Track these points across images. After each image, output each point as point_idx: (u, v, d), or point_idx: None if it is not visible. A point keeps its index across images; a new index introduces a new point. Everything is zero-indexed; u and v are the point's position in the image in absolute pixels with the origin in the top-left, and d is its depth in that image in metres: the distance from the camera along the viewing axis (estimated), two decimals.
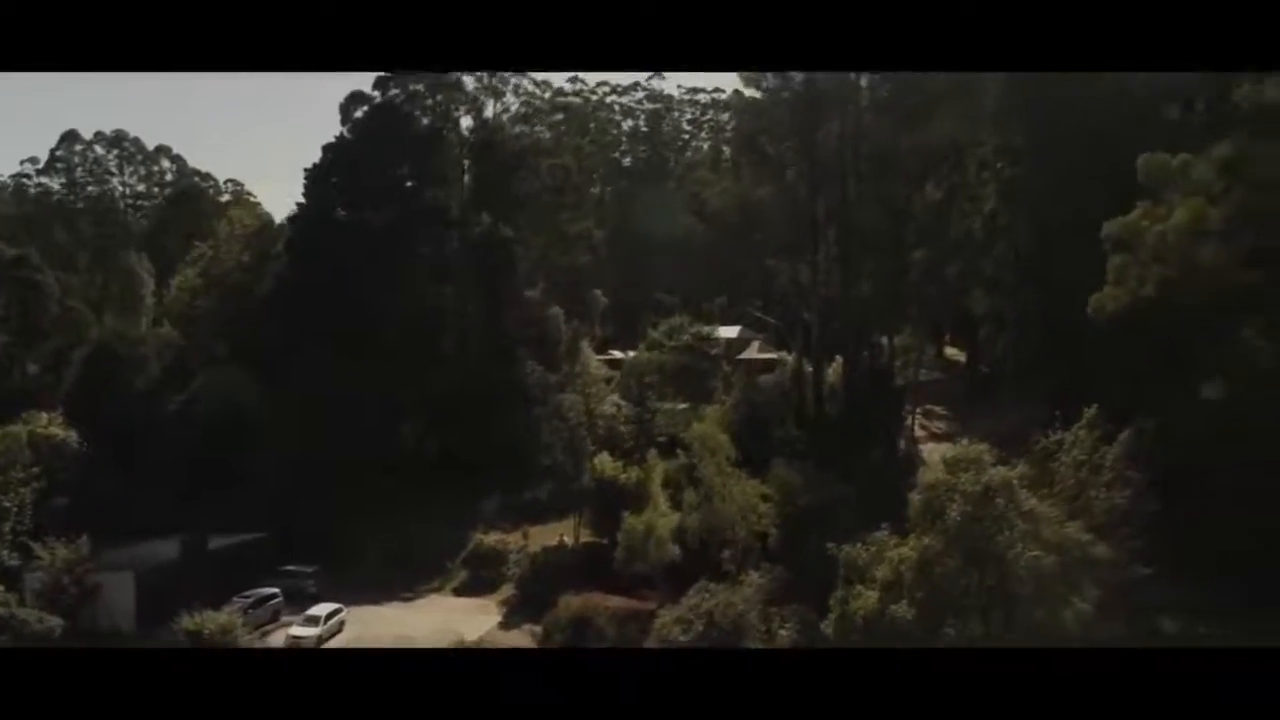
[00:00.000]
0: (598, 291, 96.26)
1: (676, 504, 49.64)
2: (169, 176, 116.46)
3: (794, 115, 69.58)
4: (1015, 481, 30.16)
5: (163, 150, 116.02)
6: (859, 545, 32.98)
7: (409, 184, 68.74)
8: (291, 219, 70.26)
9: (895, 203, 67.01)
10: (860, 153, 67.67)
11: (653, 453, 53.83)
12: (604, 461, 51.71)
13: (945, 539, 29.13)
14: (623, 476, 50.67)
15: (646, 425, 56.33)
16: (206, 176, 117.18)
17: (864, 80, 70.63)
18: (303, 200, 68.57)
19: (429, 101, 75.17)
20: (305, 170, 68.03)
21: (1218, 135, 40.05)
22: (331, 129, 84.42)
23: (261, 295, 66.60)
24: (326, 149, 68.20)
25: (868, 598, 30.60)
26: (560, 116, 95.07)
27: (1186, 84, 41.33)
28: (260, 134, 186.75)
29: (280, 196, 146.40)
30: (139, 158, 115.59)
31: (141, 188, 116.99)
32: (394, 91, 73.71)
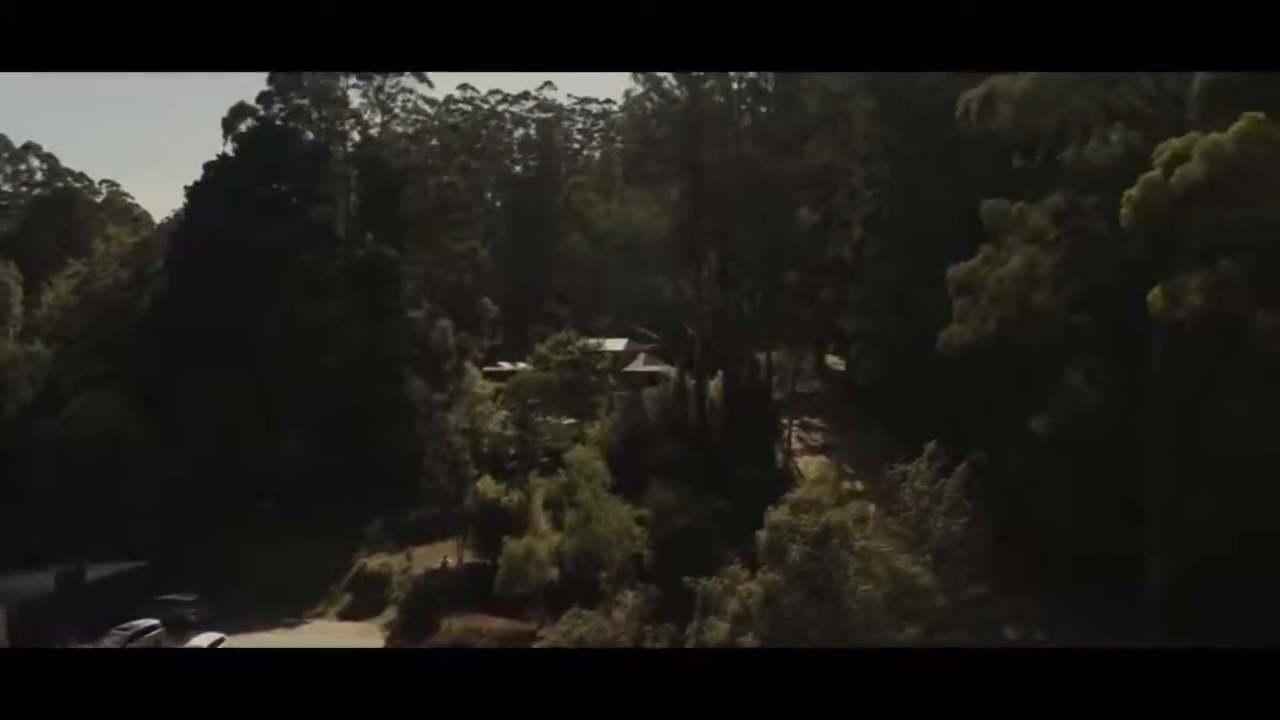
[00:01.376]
0: (487, 300, 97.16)
1: (559, 523, 51.35)
2: (39, 176, 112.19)
3: (678, 135, 71.93)
4: (850, 523, 32.83)
5: (31, 148, 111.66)
6: (714, 578, 35.23)
7: (294, 200, 68.53)
8: (172, 235, 69.32)
9: (773, 225, 69.82)
10: (741, 174, 70.22)
11: (536, 473, 55.35)
12: (487, 484, 53.04)
13: (787, 576, 31.58)
14: (504, 499, 52.09)
15: (530, 446, 57.77)
16: (80, 177, 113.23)
17: (745, 101, 73.55)
18: (184, 216, 67.82)
19: (315, 116, 75.04)
20: (186, 187, 67.31)
21: (1053, 186, 43.45)
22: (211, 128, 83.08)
23: (140, 314, 65.65)
24: (209, 166, 67.55)
25: (719, 629, 32.90)
26: (452, 122, 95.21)
27: (1031, 135, 44.54)
28: (136, 131, 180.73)
29: (161, 198, 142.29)
30: (4, 155, 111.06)
31: (8, 188, 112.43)
32: (278, 106, 73.38)
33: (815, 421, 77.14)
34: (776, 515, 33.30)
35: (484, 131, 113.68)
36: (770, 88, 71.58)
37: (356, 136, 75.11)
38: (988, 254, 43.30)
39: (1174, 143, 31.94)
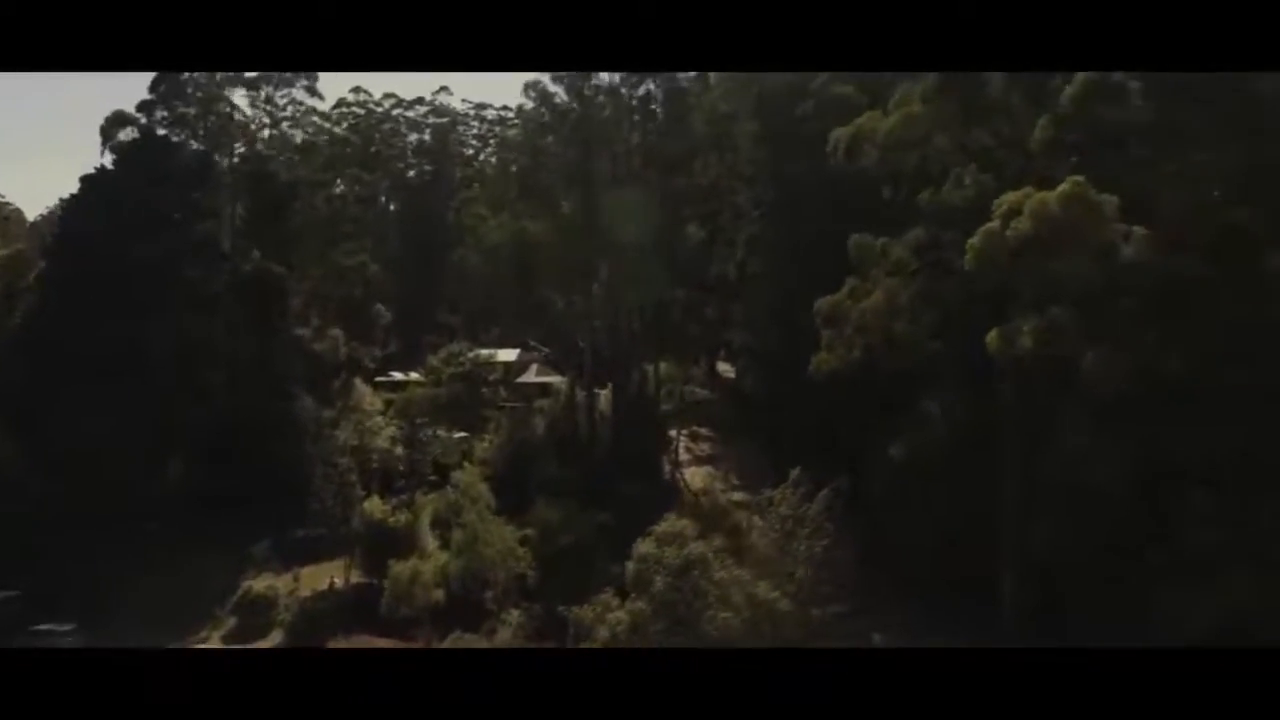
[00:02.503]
0: (381, 306, 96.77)
1: (448, 541, 52.12)
2: None
3: (569, 150, 73.19)
4: (710, 554, 34.74)
5: None
6: (586, 605, 36.75)
7: (176, 215, 67.36)
8: (47, 249, 67.44)
9: (662, 241, 71.62)
10: (630, 190, 71.78)
11: (424, 491, 55.90)
12: (374, 505, 53.46)
13: (653, 605, 33.27)
14: (392, 519, 52.65)
15: (419, 464, 58.33)
16: None
17: (635, 119, 75.09)
18: (59, 229, 66.06)
19: (199, 126, 73.81)
20: (62, 200, 65.56)
21: (915, 221, 46.07)
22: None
23: (11, 329, 63.81)
24: (85, 179, 65.92)
25: None
26: (341, 134, 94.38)
27: (895, 173, 47.07)
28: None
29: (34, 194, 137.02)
30: None
31: None
32: (160, 114, 71.97)
33: (704, 431, 79.27)
34: (643, 547, 34.93)
35: (377, 135, 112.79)
36: (660, 108, 73.41)
37: (242, 147, 74.05)
38: (853, 286, 45.75)
39: (1009, 197, 34.57)
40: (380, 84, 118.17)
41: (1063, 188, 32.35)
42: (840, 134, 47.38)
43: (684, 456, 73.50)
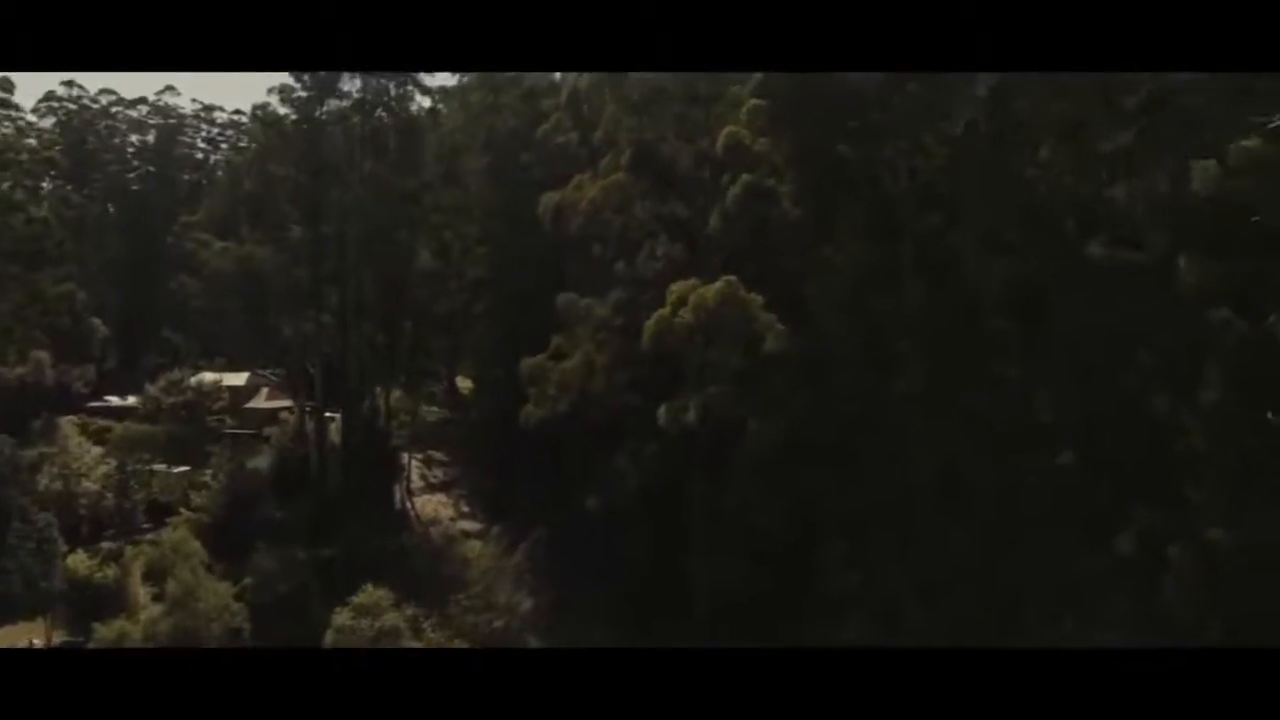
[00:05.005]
0: (97, 320, 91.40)
1: (163, 593, 51.14)
2: None
3: (299, 178, 72.39)
4: (403, 624, 37.13)
5: None
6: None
7: None
8: None
9: (393, 272, 72.49)
10: (361, 221, 71.94)
11: (137, 538, 54.44)
12: (78, 561, 51.70)
13: None
14: (98, 575, 51.18)
15: (129, 513, 56.72)
16: None
17: (366, 150, 75.14)
18: None
19: None
20: None
21: (615, 283, 49.93)
22: None
23: None
24: None
25: None
26: (48, 153, 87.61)
27: (601, 239, 50.71)
28: None
29: None
30: None
31: None
32: None
33: (439, 455, 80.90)
34: (341, 618, 36.61)
35: (90, 137, 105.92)
36: (392, 138, 73.93)
37: None
38: (558, 343, 49.18)
39: (676, 287, 38.89)
40: (97, 80, 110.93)
41: (718, 285, 36.92)
42: (548, 199, 50.58)
43: (417, 484, 74.88)
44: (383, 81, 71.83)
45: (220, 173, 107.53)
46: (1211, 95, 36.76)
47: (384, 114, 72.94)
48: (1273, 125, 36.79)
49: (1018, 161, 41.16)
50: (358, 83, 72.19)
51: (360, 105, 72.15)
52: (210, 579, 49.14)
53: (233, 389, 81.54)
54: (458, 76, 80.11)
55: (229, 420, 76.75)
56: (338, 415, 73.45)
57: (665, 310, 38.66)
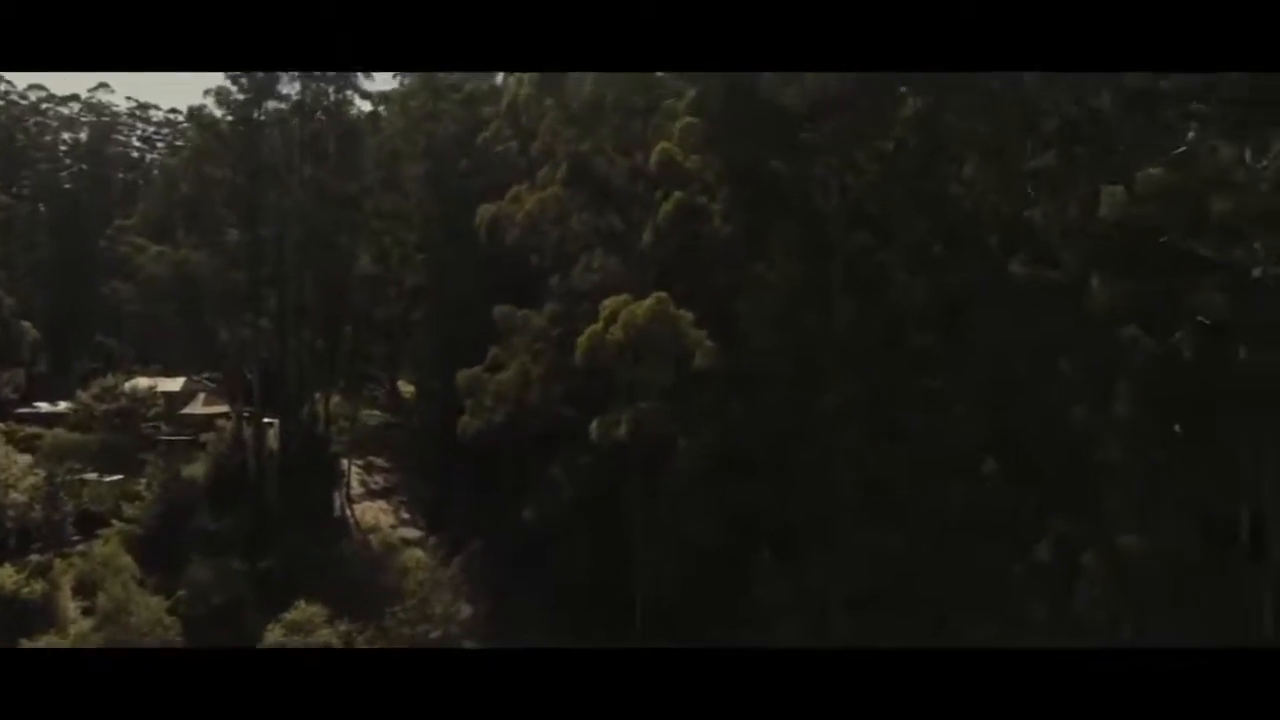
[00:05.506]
0: (26, 323, 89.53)
1: (93, 607, 50.46)
2: None
3: (237, 180, 71.57)
4: (335, 640, 37.28)
5: None
6: None
7: None
8: None
9: (333, 277, 72.03)
10: (300, 225, 71.36)
11: (66, 550, 53.57)
12: (4, 575, 50.76)
13: None
14: (25, 590, 50.36)
15: (57, 526, 55.84)
16: None
17: (304, 153, 74.52)
18: None
19: None
20: None
21: (551, 295, 50.26)
22: None
23: None
24: None
25: None
26: None
27: (538, 251, 51.03)
28: None
29: None
30: None
31: None
32: None
33: (379, 461, 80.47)
34: (272, 635, 36.64)
35: (19, 134, 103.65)
36: (332, 142, 73.37)
37: None
38: (495, 354, 49.44)
39: (609, 303, 39.45)
40: (26, 75, 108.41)
41: (648, 302, 37.55)
42: (485, 211, 50.78)
43: (357, 490, 74.45)
44: (321, 85, 71.33)
45: (156, 172, 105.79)
46: (1122, 122, 38.23)
47: (323, 117, 72.37)
48: (1178, 152, 38.38)
49: (944, 180, 42.31)
50: (296, 85, 71.59)
51: (299, 108, 71.53)
52: (142, 592, 48.64)
53: (168, 395, 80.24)
54: (398, 80, 79.79)
55: (164, 427, 75.58)
56: (276, 421, 72.74)
57: (598, 326, 39.21)
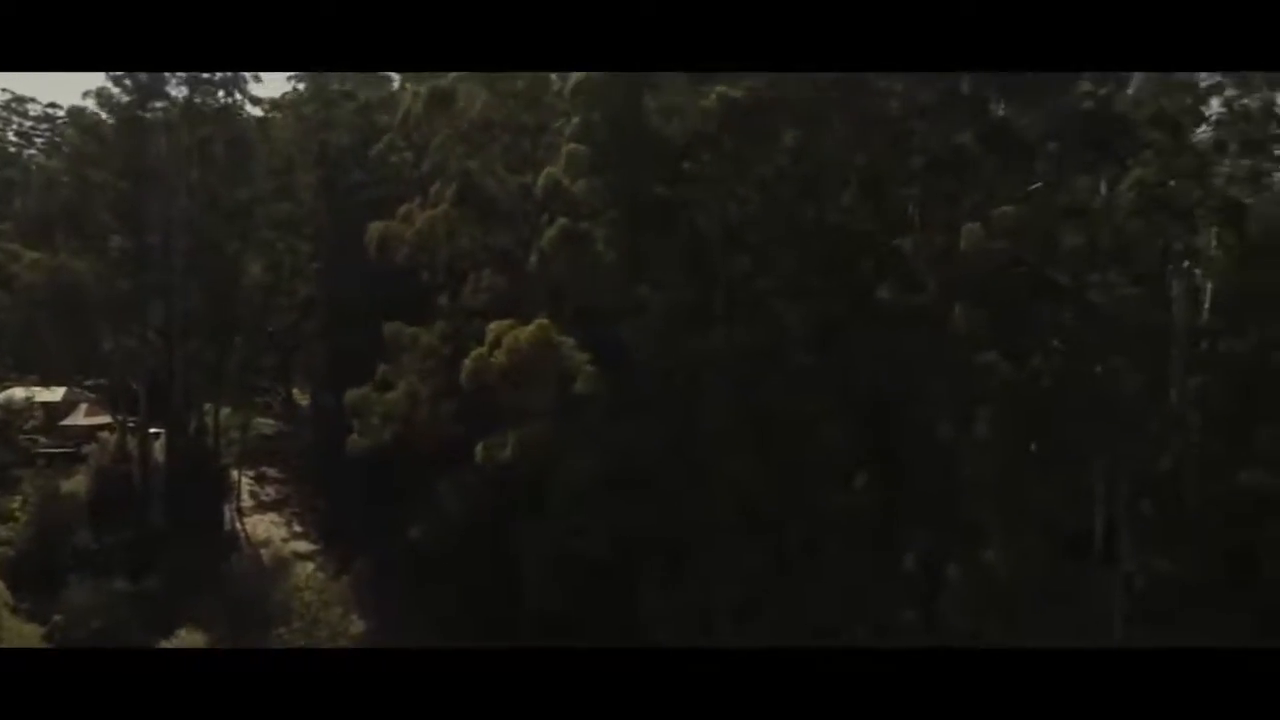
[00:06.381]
0: None
1: None
2: None
3: (121, 186, 69.72)
4: None
5: None
6: None
7: None
8: None
9: (221, 287, 70.68)
10: (187, 234, 69.85)
11: None
12: None
13: None
14: None
15: None
16: None
17: (194, 160, 72.92)
18: None
19: None
20: None
21: (443, 314, 50.55)
22: None
23: None
24: None
25: None
26: None
27: (430, 268, 51.15)
28: None
29: None
30: None
31: None
32: None
33: (272, 472, 79.07)
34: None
35: None
36: (221, 149, 71.95)
37: None
38: (385, 372, 49.54)
39: (494, 328, 40.14)
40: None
41: (531, 328, 38.38)
42: (375, 229, 50.78)
43: (247, 503, 73.16)
44: (209, 88, 70.07)
45: (34, 169, 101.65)
46: (984, 158, 40.56)
47: (211, 122, 71.03)
48: (1033, 187, 40.93)
49: (822, 208, 44.10)
50: (184, 89, 70.22)
51: (186, 112, 70.11)
52: (15, 619, 47.37)
53: (47, 405, 77.48)
54: (292, 84, 78.58)
55: (42, 440, 73.09)
56: (162, 432, 71.11)
57: (483, 350, 39.83)
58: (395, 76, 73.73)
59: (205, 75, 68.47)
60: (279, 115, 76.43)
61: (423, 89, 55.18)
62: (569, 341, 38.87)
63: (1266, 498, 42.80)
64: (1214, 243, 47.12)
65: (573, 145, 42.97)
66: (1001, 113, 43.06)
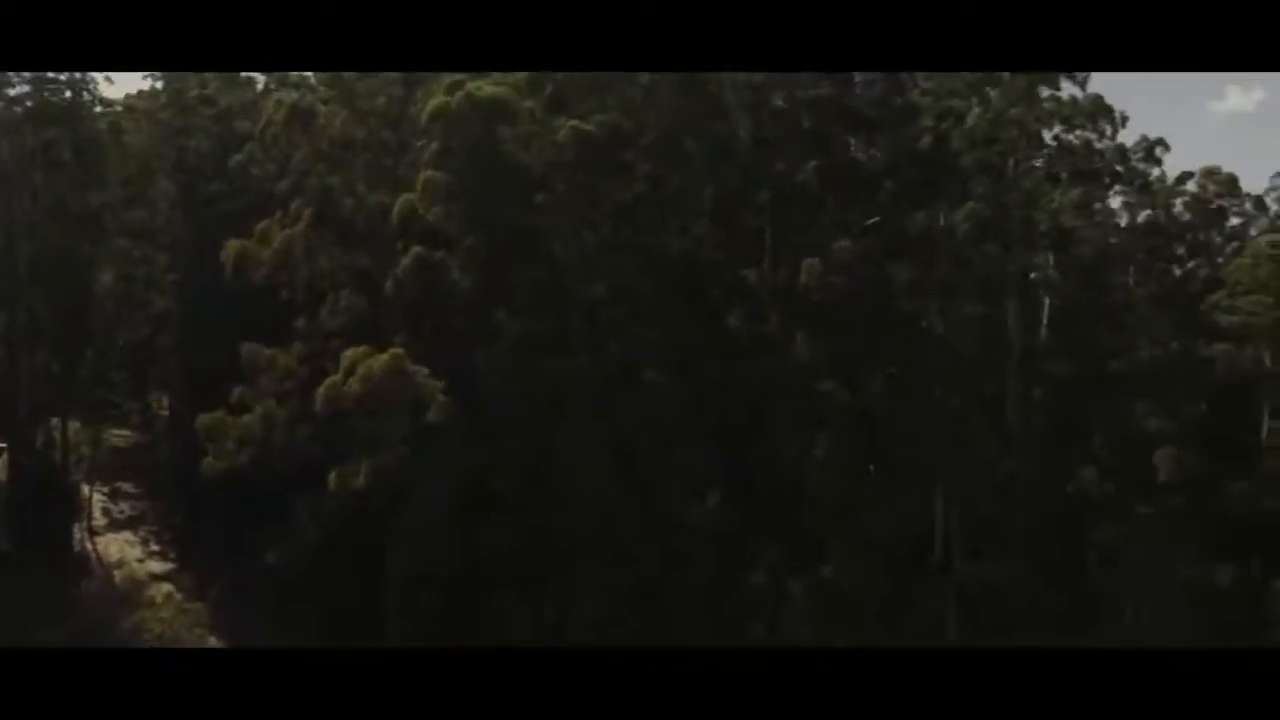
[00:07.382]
0: None
1: None
2: None
3: None
4: None
5: None
6: None
7: None
8: None
9: (70, 296, 67.97)
10: (32, 242, 67.04)
11: None
12: None
13: None
14: None
15: None
16: None
17: (38, 164, 69.86)
18: None
19: None
20: None
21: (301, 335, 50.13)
22: None
23: None
24: None
25: None
26: None
27: (289, 288, 50.58)
28: None
29: None
30: None
31: None
32: None
33: (128, 487, 76.27)
34: None
35: None
36: (70, 154, 69.18)
37: None
38: (241, 393, 48.87)
39: (349, 354, 40.27)
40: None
41: (384, 357, 38.68)
42: (232, 247, 50.00)
43: (100, 521, 70.59)
44: (56, 87, 67.40)
45: None
46: (824, 193, 42.72)
47: (58, 125, 68.24)
48: (870, 222, 43.30)
49: (675, 238, 45.58)
50: (26, 89, 67.38)
51: (29, 114, 67.23)
52: None
53: None
54: (149, 83, 75.90)
55: None
56: (4, 448, 68.12)
57: (337, 377, 39.87)
58: (260, 78, 72.41)
59: (50, 75, 65.86)
60: (132, 119, 73.81)
61: (286, 98, 54.54)
62: (423, 370, 39.27)
63: (1097, 502, 46.31)
64: (1050, 267, 50.49)
65: (429, 172, 43.26)
66: (846, 148, 45.30)
